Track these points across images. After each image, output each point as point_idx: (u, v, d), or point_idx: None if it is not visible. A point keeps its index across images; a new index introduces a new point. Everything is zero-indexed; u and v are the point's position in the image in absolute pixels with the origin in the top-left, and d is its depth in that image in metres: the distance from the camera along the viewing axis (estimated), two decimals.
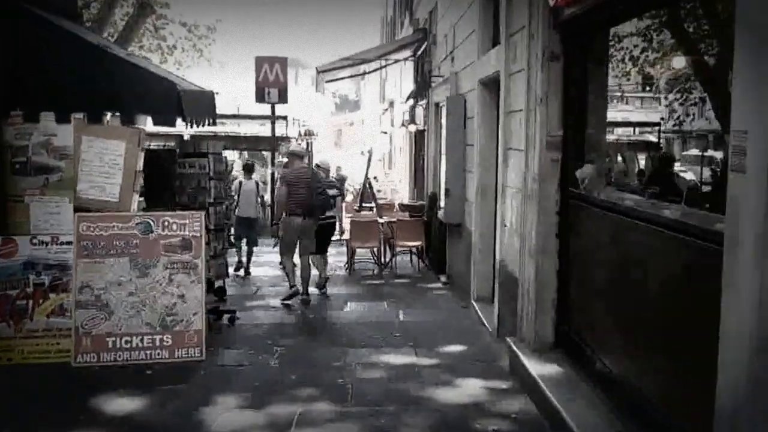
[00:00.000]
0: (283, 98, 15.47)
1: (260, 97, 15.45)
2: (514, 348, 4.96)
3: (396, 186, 17.63)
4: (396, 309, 7.42)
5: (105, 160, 5.65)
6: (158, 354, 5.39)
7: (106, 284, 5.41)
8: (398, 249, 9.94)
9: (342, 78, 15.64)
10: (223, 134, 19.14)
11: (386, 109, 23.36)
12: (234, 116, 20.00)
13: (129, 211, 5.63)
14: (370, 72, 16.16)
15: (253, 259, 9.60)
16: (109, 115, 6.24)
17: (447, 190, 8.26)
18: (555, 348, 4.76)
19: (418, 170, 13.77)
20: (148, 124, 6.34)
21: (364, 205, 12.52)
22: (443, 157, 9.04)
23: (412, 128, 13.24)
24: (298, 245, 7.57)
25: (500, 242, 5.98)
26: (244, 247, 9.49)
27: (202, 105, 6.29)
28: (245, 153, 21.29)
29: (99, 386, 4.85)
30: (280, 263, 8.18)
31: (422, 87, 11.63)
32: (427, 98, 11.19)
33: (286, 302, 7.46)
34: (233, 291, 8.18)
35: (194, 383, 4.97)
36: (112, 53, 5.72)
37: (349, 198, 15.41)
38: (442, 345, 5.92)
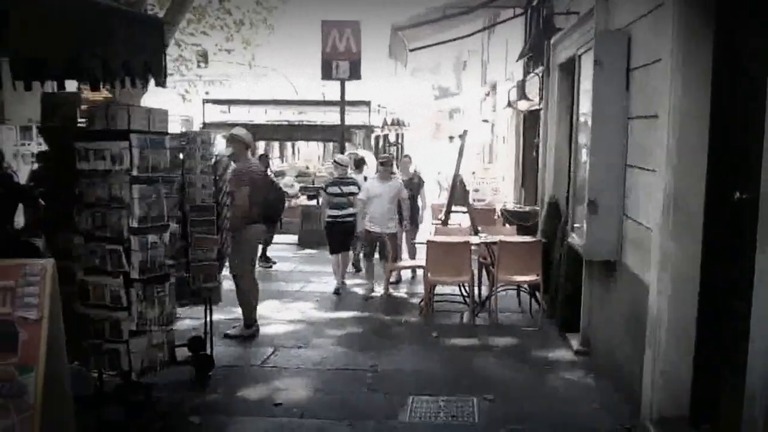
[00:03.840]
0: (355, 73, 12.39)
1: (327, 73, 12.44)
2: None
3: (497, 185, 13.91)
4: (496, 422, 4.00)
5: None
6: None
7: None
8: (501, 285, 6.48)
9: (431, 45, 12.22)
10: (297, 123, 16.80)
11: (487, 94, 19.58)
12: (288, 102, 17.26)
13: None
14: (466, 36, 12.61)
15: (300, 289, 7.70)
16: None
17: (591, 202, 4.64)
18: None
19: (528, 165, 10.27)
20: None
21: (453, 209, 9.03)
22: (581, 144, 5.45)
23: (523, 106, 9.54)
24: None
25: (762, 334, 2.39)
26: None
27: (94, 35, 3.12)
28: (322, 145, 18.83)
29: None
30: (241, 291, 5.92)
31: (538, 42, 7.95)
32: (546, 59, 7.52)
33: (232, 336, 5.65)
34: (234, 349, 5.15)
35: None
36: None
37: (432, 198, 11.94)
38: None
